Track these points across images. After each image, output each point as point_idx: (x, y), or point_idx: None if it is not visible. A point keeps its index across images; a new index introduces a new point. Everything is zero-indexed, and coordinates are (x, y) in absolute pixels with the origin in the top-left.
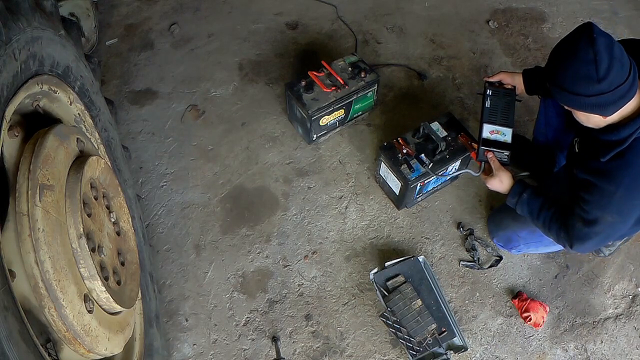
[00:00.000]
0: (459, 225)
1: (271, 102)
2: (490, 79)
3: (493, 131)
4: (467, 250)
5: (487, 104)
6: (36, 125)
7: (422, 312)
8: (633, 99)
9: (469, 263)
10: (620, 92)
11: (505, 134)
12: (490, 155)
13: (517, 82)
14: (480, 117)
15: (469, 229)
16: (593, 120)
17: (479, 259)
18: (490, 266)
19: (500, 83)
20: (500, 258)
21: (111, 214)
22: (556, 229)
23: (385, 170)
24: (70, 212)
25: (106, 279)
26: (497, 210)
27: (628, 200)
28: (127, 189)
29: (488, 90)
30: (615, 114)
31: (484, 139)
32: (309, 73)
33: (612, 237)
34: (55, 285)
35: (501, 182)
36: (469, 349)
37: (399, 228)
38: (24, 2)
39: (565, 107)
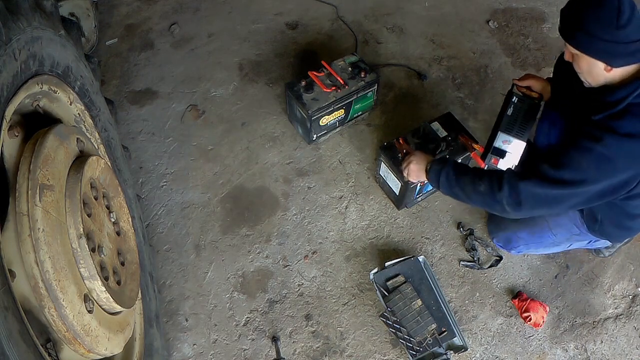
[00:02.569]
0: (459, 225)
1: (271, 102)
2: (520, 83)
3: (506, 141)
4: (467, 250)
5: (509, 111)
6: (36, 125)
7: (422, 312)
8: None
9: (469, 263)
10: (634, 47)
11: (517, 148)
12: (494, 161)
13: (545, 90)
14: (497, 122)
15: (469, 229)
16: (595, 71)
17: (479, 258)
18: (490, 266)
19: (528, 88)
20: (500, 258)
21: (111, 214)
22: (492, 177)
23: (385, 170)
24: (70, 212)
25: (106, 279)
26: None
27: (605, 160)
28: (127, 189)
29: (514, 98)
30: (618, 73)
31: (495, 147)
32: (309, 73)
33: (569, 196)
34: (55, 285)
35: (417, 163)
36: (469, 349)
37: (399, 228)
38: (24, 2)
39: (573, 51)
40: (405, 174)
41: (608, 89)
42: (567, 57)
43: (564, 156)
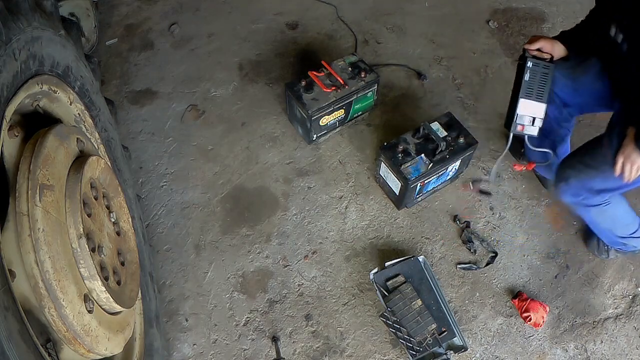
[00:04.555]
0: (455, 218)
1: (271, 102)
2: (530, 47)
3: (527, 107)
4: (463, 242)
5: (526, 77)
6: (36, 125)
7: (422, 312)
8: None
9: (466, 265)
10: None
11: (539, 110)
12: (520, 128)
13: (556, 49)
14: (515, 90)
15: (465, 221)
16: None
17: (475, 250)
18: (487, 264)
19: (538, 50)
20: (495, 254)
21: (111, 214)
22: None
23: (385, 170)
24: (70, 212)
25: (106, 279)
26: (581, 153)
27: None
28: (127, 189)
29: (529, 62)
30: None
31: (519, 115)
32: (309, 73)
33: None
34: (55, 285)
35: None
36: (469, 349)
37: (399, 228)
38: (24, 2)
39: None
40: (628, 174)
41: None
42: None
43: None
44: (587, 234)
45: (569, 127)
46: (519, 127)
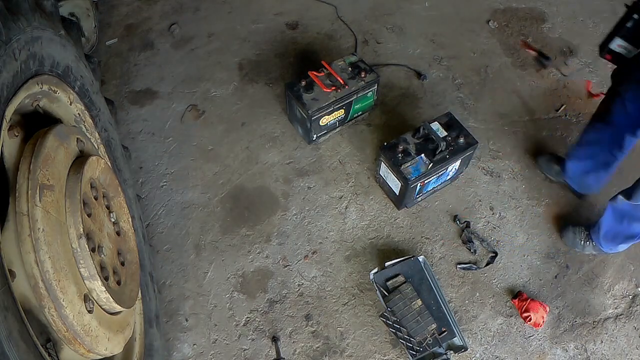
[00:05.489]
0: (455, 218)
1: (271, 102)
2: None
3: (621, 45)
4: (463, 242)
5: (630, 24)
6: (36, 125)
7: (422, 312)
8: None
9: (466, 265)
10: None
11: (630, 52)
12: (607, 57)
13: None
14: (615, 28)
15: (465, 221)
16: None
17: (475, 250)
18: (487, 264)
19: None
20: (495, 254)
21: (111, 214)
22: None
23: (385, 170)
24: (70, 212)
25: (106, 279)
26: None
27: None
28: (127, 189)
29: (636, 15)
30: None
31: (609, 48)
32: (309, 73)
33: None
34: (55, 285)
35: None
36: (469, 349)
37: (399, 228)
38: (24, 2)
39: None
40: None
41: None
42: None
43: None
44: (563, 226)
45: (617, 156)
46: (606, 56)
